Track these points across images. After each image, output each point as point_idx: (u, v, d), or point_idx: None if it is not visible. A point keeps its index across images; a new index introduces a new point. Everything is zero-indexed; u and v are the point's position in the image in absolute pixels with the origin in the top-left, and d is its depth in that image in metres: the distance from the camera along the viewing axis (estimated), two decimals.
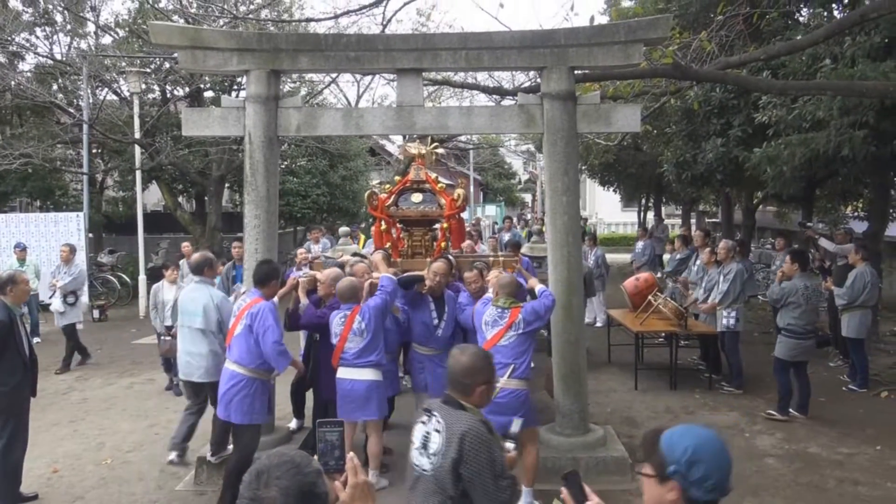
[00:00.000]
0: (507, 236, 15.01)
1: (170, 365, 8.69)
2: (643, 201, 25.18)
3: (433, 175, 7.01)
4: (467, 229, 12.86)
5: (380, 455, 5.72)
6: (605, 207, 35.41)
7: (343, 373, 5.55)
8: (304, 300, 6.03)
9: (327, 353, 5.82)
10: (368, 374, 5.51)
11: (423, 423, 2.97)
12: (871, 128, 7.58)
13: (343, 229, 11.74)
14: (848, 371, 8.98)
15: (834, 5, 9.84)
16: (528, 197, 50.21)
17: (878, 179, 10.04)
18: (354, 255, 7.44)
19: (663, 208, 24.25)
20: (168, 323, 8.50)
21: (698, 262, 9.93)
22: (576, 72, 6.39)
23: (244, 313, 5.27)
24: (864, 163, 8.22)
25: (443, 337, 6.04)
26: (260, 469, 1.81)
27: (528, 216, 29.21)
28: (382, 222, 7.03)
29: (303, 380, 6.47)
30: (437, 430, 2.90)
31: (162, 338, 8.51)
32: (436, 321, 6.02)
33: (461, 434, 2.81)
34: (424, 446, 2.91)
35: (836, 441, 6.93)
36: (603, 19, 15.72)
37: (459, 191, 6.85)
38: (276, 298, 5.72)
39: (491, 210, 36.52)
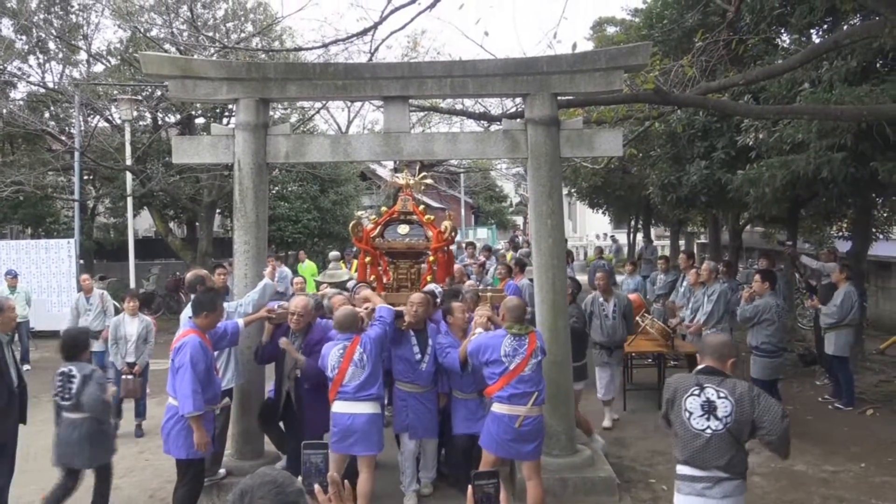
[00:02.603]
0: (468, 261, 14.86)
1: (139, 409, 8.26)
2: (632, 223, 25.36)
3: (421, 206, 6.97)
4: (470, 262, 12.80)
5: (370, 494, 5.39)
6: (595, 229, 35.60)
7: (341, 407, 5.28)
8: (301, 358, 5.70)
9: (316, 391, 5.62)
10: (369, 408, 5.28)
11: (696, 395, 3.83)
12: (849, 150, 7.73)
13: (333, 254, 11.80)
14: (833, 389, 9.05)
15: (812, 31, 10.07)
16: (519, 220, 50.38)
17: (859, 200, 10.20)
18: (335, 285, 7.40)
19: (652, 230, 24.42)
20: (130, 359, 7.97)
21: (685, 283, 10.04)
22: (559, 98, 6.52)
23: (172, 346, 5.20)
24: (845, 184, 8.37)
25: (427, 372, 5.86)
26: (244, 489, 1.87)
27: (519, 238, 29.26)
28: (367, 254, 6.84)
29: (273, 411, 6.15)
30: (722, 397, 3.77)
31: (123, 377, 7.87)
32: (418, 356, 5.84)
33: (749, 394, 3.77)
34: (712, 411, 3.78)
35: (821, 459, 6.99)
36: (589, 45, 15.99)
37: (447, 223, 6.71)
38: (241, 323, 5.69)
39: (483, 233, 36.68)
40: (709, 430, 3.78)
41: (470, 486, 2.23)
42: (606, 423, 8.17)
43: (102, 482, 5.60)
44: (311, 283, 14.94)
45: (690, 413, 3.83)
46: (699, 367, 3.99)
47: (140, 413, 8.38)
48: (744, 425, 3.75)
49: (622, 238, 29.93)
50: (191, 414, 4.99)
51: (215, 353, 5.59)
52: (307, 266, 15.93)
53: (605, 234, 30.44)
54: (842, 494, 6.17)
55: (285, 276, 12.73)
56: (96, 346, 9.23)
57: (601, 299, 8.24)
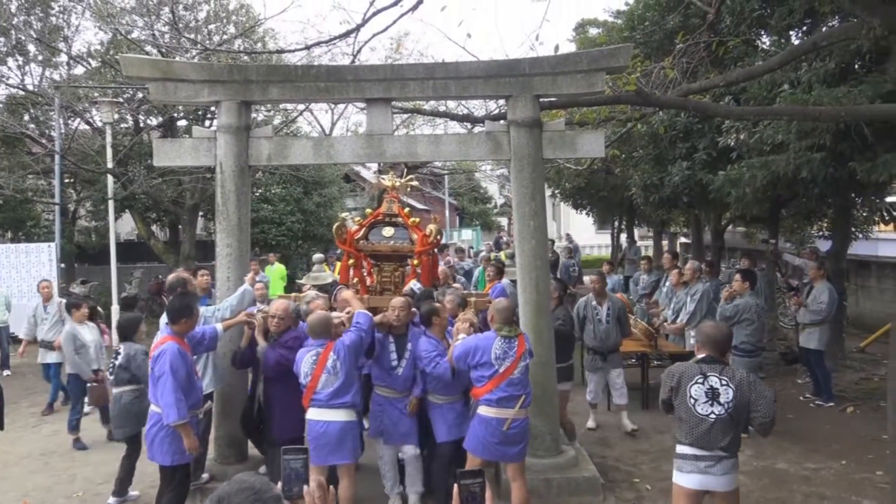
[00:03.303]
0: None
1: (106, 415, 7.94)
2: (616, 223, 25.46)
3: (406, 209, 6.91)
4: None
5: (353, 499, 5.33)
6: (579, 230, 35.68)
7: (315, 414, 5.20)
8: (262, 343, 5.71)
9: (283, 392, 5.56)
10: (343, 416, 5.19)
11: (700, 383, 4.22)
12: (828, 150, 7.82)
13: (317, 256, 11.77)
14: (814, 388, 9.13)
15: (791, 32, 10.17)
16: (504, 221, 50.43)
17: (838, 200, 10.31)
18: (314, 286, 7.32)
19: (636, 230, 24.54)
20: (95, 366, 7.89)
21: (667, 283, 10.10)
22: (542, 99, 6.54)
23: (152, 353, 5.17)
24: (824, 184, 8.46)
25: (403, 377, 5.77)
26: (221, 495, 1.86)
27: (503, 240, 29.32)
28: (351, 256, 6.73)
29: (250, 415, 6.09)
30: (724, 384, 4.19)
31: (90, 385, 7.76)
32: (394, 362, 5.76)
33: (747, 380, 4.24)
34: (715, 398, 4.18)
35: (802, 457, 7.07)
36: (571, 47, 16.06)
37: (432, 226, 6.62)
38: (219, 327, 5.64)
39: (467, 234, 36.70)
40: (713, 416, 4.18)
41: (455, 486, 2.23)
42: (590, 423, 8.19)
43: (132, 454, 6.13)
44: (279, 286, 14.82)
45: (695, 400, 4.22)
46: (700, 356, 4.37)
47: (108, 419, 8.02)
48: (742, 409, 4.19)
49: (600, 238, 29.93)
50: (176, 422, 4.97)
51: (193, 357, 5.53)
52: (276, 269, 15.75)
53: (564, 235, 30.36)
54: (823, 491, 6.24)
55: (266, 281, 12.65)
56: (51, 356, 9.04)
57: (594, 303, 8.13)
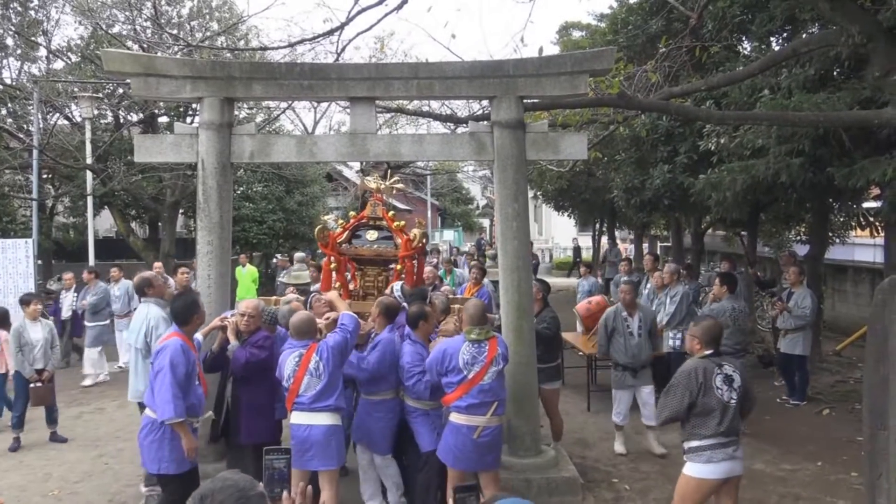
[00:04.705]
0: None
1: (52, 416, 7.94)
2: (597, 226, 25.60)
3: (391, 212, 6.83)
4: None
5: None
6: (560, 232, 35.82)
7: (298, 418, 5.00)
8: (233, 341, 5.51)
9: (251, 393, 5.45)
10: (327, 419, 4.98)
11: (719, 373, 4.53)
12: (807, 155, 7.91)
13: (298, 255, 11.73)
14: (787, 391, 9.24)
15: (772, 39, 10.29)
16: (485, 222, 50.53)
17: (817, 204, 10.45)
18: (299, 287, 7.26)
19: (616, 232, 24.68)
20: (39, 366, 7.73)
21: (648, 285, 10.17)
22: (525, 101, 6.56)
23: (155, 349, 4.95)
24: (803, 189, 8.56)
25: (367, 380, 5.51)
26: (204, 493, 1.85)
27: (485, 241, 29.37)
28: (333, 259, 6.60)
29: (218, 416, 5.97)
30: (733, 370, 4.58)
31: (32, 385, 7.64)
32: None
33: (741, 366, 4.86)
34: (731, 384, 4.52)
35: (779, 458, 7.14)
36: (555, 49, 16.14)
37: (416, 231, 6.56)
38: (199, 336, 5.46)
39: (449, 235, 36.75)
40: (732, 401, 4.51)
41: (451, 500, 2.29)
42: (619, 448, 7.41)
43: None
44: (251, 289, 14.65)
45: (721, 389, 4.51)
46: (706, 352, 4.63)
47: (53, 420, 8.03)
48: (745, 393, 4.58)
49: (581, 240, 30.03)
50: (171, 420, 4.66)
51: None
52: (248, 271, 15.52)
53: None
54: (798, 492, 6.30)
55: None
56: None
57: (625, 314, 7.44)
